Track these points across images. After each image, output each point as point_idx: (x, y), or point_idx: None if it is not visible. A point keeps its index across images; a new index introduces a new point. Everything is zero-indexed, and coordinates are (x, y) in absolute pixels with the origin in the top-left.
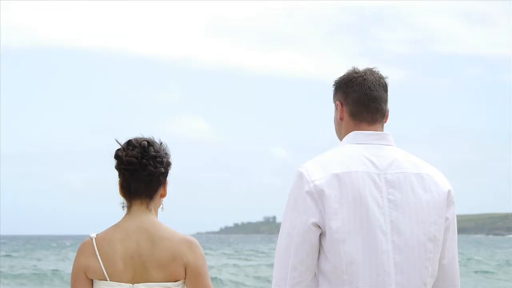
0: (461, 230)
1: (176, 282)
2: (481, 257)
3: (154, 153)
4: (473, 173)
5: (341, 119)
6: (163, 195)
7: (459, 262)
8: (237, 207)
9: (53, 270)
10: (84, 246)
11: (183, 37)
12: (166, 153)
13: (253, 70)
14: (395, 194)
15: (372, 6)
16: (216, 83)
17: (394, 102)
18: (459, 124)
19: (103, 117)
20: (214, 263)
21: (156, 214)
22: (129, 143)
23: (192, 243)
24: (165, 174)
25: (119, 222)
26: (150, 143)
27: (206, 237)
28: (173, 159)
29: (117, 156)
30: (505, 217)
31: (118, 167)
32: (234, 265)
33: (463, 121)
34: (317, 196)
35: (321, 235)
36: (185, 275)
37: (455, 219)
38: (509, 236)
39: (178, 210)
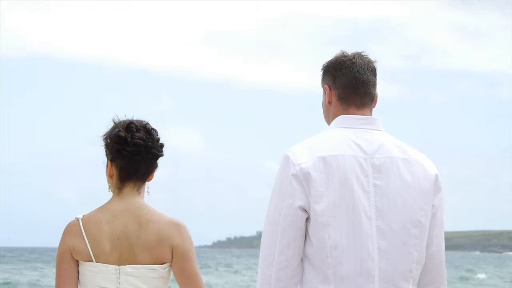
0: (456, 246)
1: (163, 265)
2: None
3: (158, 137)
4: (467, 189)
5: (329, 103)
6: (150, 179)
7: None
8: (230, 220)
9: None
10: (70, 226)
11: (176, 48)
12: (157, 137)
13: (247, 82)
14: (381, 179)
15: (366, 20)
16: (209, 94)
17: (388, 117)
18: (453, 140)
19: (98, 128)
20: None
21: (143, 198)
22: (131, 125)
23: (179, 226)
24: (157, 158)
25: (106, 203)
26: (151, 126)
27: (199, 251)
28: (165, 172)
29: (119, 137)
30: (499, 234)
31: (118, 149)
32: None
33: (457, 137)
34: (303, 179)
35: (307, 219)
36: (172, 258)
37: (443, 206)
38: (508, 253)
39: None
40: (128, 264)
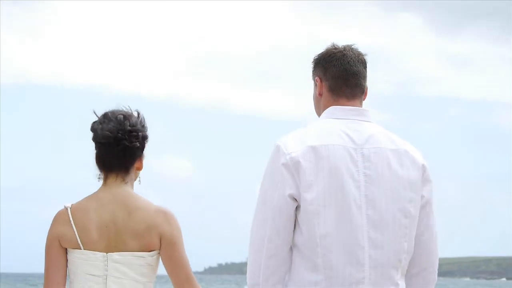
0: (446, 273)
1: (151, 252)
2: None
3: (129, 128)
4: (457, 216)
5: (320, 94)
6: (139, 168)
7: None
8: (221, 247)
9: None
10: (59, 215)
11: (167, 75)
12: (142, 126)
13: (238, 109)
14: (371, 169)
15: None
16: (200, 121)
17: None
18: (443, 167)
19: (92, 153)
20: None
21: (132, 187)
22: (105, 116)
23: (167, 214)
24: (140, 148)
25: (94, 192)
26: (126, 116)
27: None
28: (156, 198)
29: (92, 128)
30: (488, 261)
31: (93, 140)
32: None
33: (447, 164)
34: (293, 168)
35: (296, 208)
36: (160, 245)
37: (432, 198)
38: (496, 280)
39: None
40: (116, 252)
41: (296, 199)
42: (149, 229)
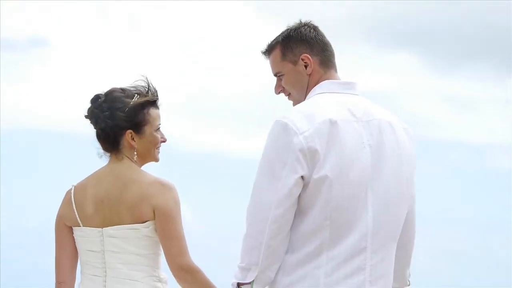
0: None
1: (144, 223)
2: None
3: (96, 110)
4: (458, 263)
5: (309, 73)
6: (131, 147)
7: None
8: None
9: None
10: (65, 195)
11: (163, 119)
12: (122, 102)
13: (235, 153)
14: (374, 140)
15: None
16: (197, 166)
17: None
18: (444, 212)
19: None
20: None
21: (134, 163)
22: (92, 98)
23: (163, 185)
24: (118, 126)
25: (96, 170)
26: (95, 98)
27: None
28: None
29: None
30: None
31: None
32: None
33: (448, 209)
34: (306, 147)
35: (304, 185)
36: (155, 217)
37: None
38: None
39: None
40: (111, 226)
41: (305, 178)
42: (142, 199)
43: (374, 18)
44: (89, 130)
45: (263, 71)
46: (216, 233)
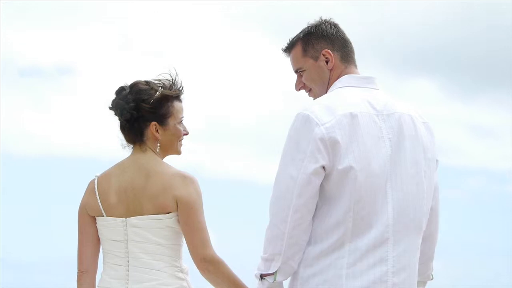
0: None
1: (168, 214)
2: None
3: (121, 101)
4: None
5: (331, 67)
6: (155, 139)
7: None
8: None
9: None
10: (88, 185)
11: (184, 145)
12: (138, 97)
13: (259, 180)
14: (393, 134)
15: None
16: (220, 193)
17: None
18: (468, 238)
19: None
20: None
21: (157, 155)
22: (116, 90)
23: (186, 178)
24: (143, 118)
25: (121, 160)
26: (120, 89)
27: None
28: None
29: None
30: None
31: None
32: None
33: (472, 235)
34: (328, 138)
35: (325, 176)
36: (177, 208)
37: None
38: None
39: None
40: (134, 216)
41: (326, 169)
42: (164, 190)
43: (394, 44)
44: (112, 157)
45: (286, 95)
46: (238, 260)
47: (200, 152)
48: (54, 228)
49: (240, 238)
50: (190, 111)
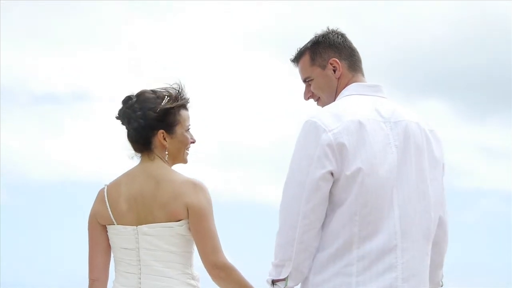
0: None
1: (179, 222)
2: None
3: (128, 110)
4: None
5: (339, 76)
6: (163, 147)
7: None
8: None
9: None
10: (98, 194)
11: (194, 168)
12: (152, 103)
13: (274, 204)
14: (400, 141)
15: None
16: (235, 216)
17: None
18: (480, 259)
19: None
20: None
21: (165, 163)
22: (123, 99)
23: (196, 185)
24: (150, 126)
25: (130, 169)
26: (127, 99)
27: None
28: None
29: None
30: None
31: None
32: None
33: (485, 257)
34: (336, 146)
35: (334, 182)
36: (188, 216)
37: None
38: None
39: None
40: (145, 224)
41: (334, 174)
42: (175, 198)
43: (404, 65)
44: None
45: (298, 117)
46: (255, 281)
47: (213, 177)
48: (76, 251)
49: (257, 262)
50: (203, 136)
